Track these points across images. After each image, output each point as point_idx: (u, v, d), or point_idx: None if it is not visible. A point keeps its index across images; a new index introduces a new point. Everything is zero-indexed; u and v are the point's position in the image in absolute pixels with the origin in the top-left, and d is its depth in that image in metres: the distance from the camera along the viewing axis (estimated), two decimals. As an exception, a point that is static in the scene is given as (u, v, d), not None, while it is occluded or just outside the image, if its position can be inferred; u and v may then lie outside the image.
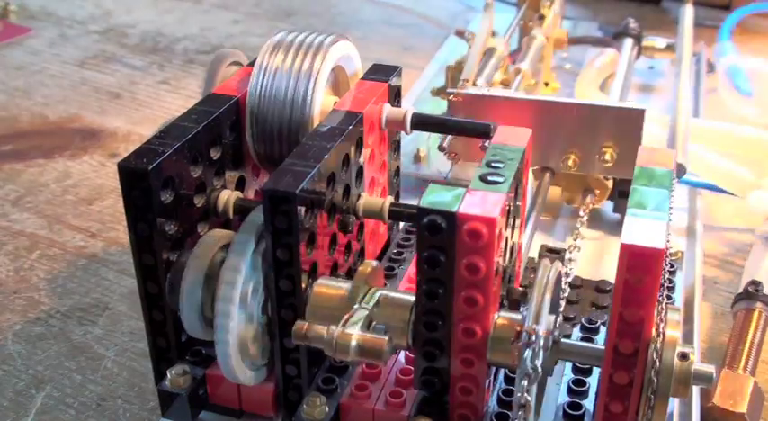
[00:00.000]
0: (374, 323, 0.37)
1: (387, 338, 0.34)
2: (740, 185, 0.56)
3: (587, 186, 0.57)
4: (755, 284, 0.50)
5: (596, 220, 0.60)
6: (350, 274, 0.43)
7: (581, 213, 0.53)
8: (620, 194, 0.58)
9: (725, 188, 0.56)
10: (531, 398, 0.33)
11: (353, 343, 0.34)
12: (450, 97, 0.55)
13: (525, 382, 0.33)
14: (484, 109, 0.54)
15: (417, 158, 0.66)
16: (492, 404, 0.40)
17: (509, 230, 0.38)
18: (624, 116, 0.53)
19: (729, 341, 0.48)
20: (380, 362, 0.35)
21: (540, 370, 0.33)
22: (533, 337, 0.33)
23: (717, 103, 0.77)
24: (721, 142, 0.61)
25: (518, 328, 0.36)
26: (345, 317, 0.35)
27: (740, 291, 0.51)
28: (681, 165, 0.54)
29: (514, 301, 0.40)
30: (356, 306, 0.36)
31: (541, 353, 0.33)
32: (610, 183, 0.57)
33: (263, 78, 0.42)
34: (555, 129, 0.54)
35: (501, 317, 0.37)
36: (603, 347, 0.34)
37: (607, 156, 0.53)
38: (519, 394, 0.33)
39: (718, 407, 0.44)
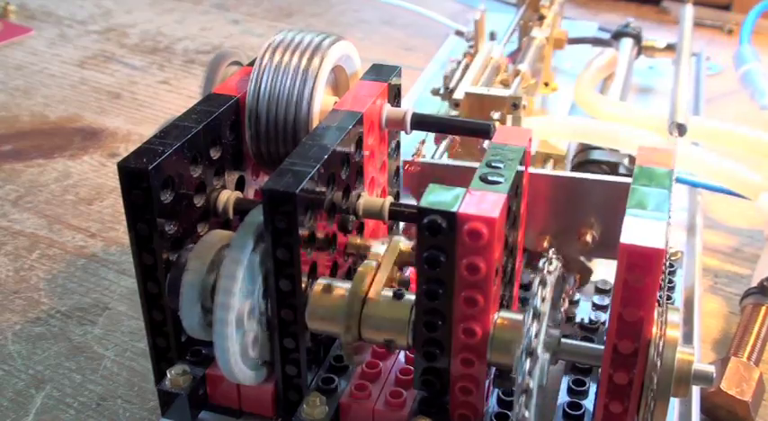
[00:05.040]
0: None
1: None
2: (750, 188, 0.55)
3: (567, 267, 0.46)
4: None
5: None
6: (350, 274, 0.43)
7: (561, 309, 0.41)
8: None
9: (735, 191, 0.56)
10: (530, 415, 0.33)
11: None
12: (405, 167, 0.48)
13: (523, 398, 0.32)
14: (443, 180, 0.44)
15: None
16: (492, 404, 0.40)
17: (509, 230, 0.38)
18: (609, 189, 0.42)
19: (736, 332, 0.48)
20: None
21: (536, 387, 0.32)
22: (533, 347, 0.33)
23: (718, 104, 0.77)
24: (722, 142, 0.61)
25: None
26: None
27: (752, 285, 0.51)
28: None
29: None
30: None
31: (539, 365, 0.33)
32: (593, 266, 0.48)
33: (263, 78, 0.42)
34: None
35: (501, 318, 0.37)
36: (603, 347, 0.34)
37: (587, 238, 0.44)
38: (517, 410, 0.32)
39: (724, 392, 0.43)
